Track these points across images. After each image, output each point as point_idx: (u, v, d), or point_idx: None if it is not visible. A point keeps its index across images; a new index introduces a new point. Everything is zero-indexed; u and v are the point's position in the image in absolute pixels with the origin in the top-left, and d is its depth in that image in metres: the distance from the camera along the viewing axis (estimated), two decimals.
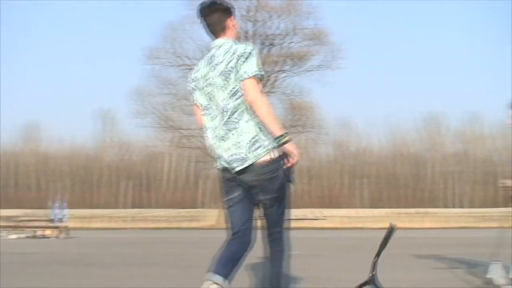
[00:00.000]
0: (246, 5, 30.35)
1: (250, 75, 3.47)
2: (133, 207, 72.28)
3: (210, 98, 3.61)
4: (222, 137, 3.53)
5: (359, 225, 29.00)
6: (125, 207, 35.82)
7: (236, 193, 3.63)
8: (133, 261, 8.65)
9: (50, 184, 65.72)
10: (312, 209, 55.73)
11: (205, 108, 3.64)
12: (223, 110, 3.53)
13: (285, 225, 3.72)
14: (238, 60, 3.51)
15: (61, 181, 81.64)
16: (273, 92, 31.30)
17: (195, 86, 3.70)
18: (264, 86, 30.65)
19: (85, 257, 9.60)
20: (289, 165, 3.51)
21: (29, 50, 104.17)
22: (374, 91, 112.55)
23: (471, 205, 75.76)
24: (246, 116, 3.50)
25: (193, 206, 71.90)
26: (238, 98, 3.49)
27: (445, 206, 36.57)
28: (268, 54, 30.60)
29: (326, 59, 30.61)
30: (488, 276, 5.49)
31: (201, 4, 3.71)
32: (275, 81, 31.19)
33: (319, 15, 30.45)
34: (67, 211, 19.64)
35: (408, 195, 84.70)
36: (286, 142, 3.44)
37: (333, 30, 33.86)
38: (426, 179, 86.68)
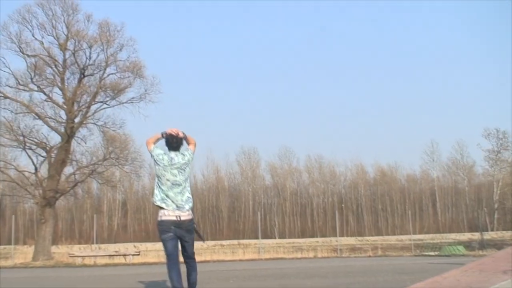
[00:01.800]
0: (57, 32, 29.45)
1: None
2: None
3: (163, 175, 6.67)
4: (177, 193, 6.66)
5: None
6: None
7: (171, 233, 6.60)
8: None
9: None
10: (127, 244, 54.74)
11: (161, 175, 6.71)
12: (173, 183, 6.66)
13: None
14: (189, 162, 6.84)
15: None
16: (85, 124, 30.49)
17: (157, 162, 6.78)
18: (76, 117, 29.92)
19: None
20: None
21: None
22: (193, 124, 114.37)
23: (282, 236, 79.26)
24: (188, 189, 6.76)
25: (4, 242, 67.07)
26: (187, 181, 6.78)
27: (258, 237, 37.87)
28: (80, 85, 29.84)
29: (140, 92, 30.55)
30: None
31: (173, 138, 6.83)
32: (87, 112, 30.44)
33: (132, 48, 30.34)
34: None
35: (225, 227, 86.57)
36: None
37: (147, 64, 33.85)
38: (241, 211, 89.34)
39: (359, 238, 66.60)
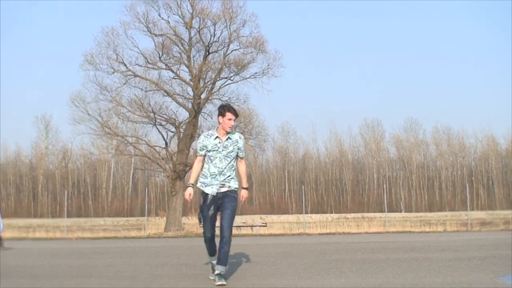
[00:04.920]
0: (182, 11, 30.24)
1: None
2: (76, 215, 70.82)
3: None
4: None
5: (301, 230, 29.19)
6: (67, 216, 34.91)
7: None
8: (66, 273, 8.43)
9: None
10: (254, 216, 56.01)
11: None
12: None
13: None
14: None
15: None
16: (210, 100, 31.27)
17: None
18: (202, 93, 30.71)
19: (15, 269, 9.31)
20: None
21: None
22: (315, 98, 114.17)
23: (408, 210, 77.61)
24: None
25: (137, 214, 70.98)
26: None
27: (383, 211, 37.38)
28: (205, 62, 30.58)
29: (262, 66, 30.81)
30: None
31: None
32: (212, 88, 31.18)
33: (254, 23, 30.56)
34: (1, 221, 18.92)
35: (349, 200, 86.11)
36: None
37: (269, 38, 34.03)
38: (365, 184, 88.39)
39: (490, 212, 63.76)
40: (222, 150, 6.63)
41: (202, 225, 6.80)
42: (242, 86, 31.55)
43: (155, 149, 32.42)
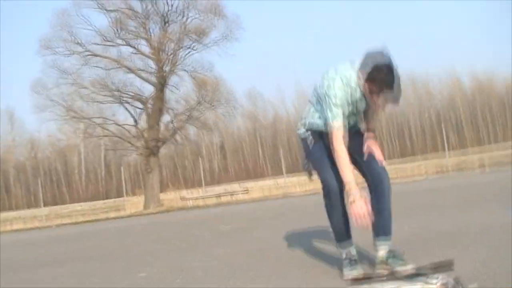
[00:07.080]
0: None
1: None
2: (50, 204, 69.92)
3: None
4: None
5: (282, 191, 28.96)
6: (41, 205, 34.40)
7: None
8: (56, 259, 8.09)
9: None
10: (231, 184, 55.91)
11: None
12: None
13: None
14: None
15: None
16: (174, 72, 30.72)
17: None
18: (165, 66, 30.02)
19: None
20: None
21: None
22: (279, 56, 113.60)
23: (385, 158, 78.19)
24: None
25: (113, 196, 70.26)
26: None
27: None
28: (165, 33, 29.93)
29: (223, 32, 30.32)
30: None
31: None
32: (175, 59, 30.55)
33: None
34: None
35: None
36: None
37: (227, 3, 33.35)
38: None
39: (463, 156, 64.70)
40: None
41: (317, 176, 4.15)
42: (205, 55, 31.04)
43: (124, 128, 31.83)
